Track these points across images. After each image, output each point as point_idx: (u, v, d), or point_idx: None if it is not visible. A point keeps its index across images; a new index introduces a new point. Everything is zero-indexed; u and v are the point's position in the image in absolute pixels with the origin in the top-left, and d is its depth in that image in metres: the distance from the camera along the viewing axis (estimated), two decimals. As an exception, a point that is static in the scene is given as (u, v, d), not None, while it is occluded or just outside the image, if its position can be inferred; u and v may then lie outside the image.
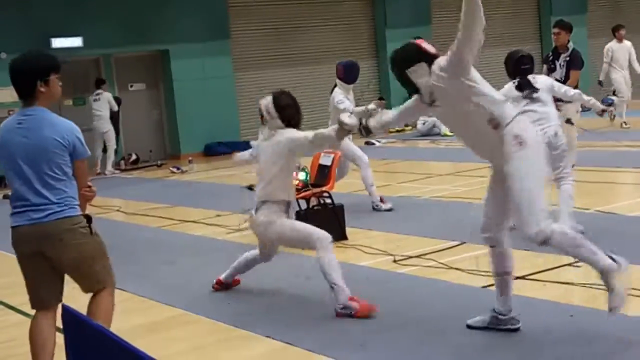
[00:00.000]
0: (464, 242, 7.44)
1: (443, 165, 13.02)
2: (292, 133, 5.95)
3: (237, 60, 18.90)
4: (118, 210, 11.20)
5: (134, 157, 17.62)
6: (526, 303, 5.55)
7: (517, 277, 6.13)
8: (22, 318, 6.33)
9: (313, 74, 19.77)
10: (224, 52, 18.59)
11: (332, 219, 8.00)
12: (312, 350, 4.99)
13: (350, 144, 9.10)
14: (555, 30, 10.10)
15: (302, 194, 8.01)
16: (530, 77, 7.29)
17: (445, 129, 18.37)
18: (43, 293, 4.50)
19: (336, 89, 9.08)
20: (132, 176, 16.15)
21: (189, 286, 6.88)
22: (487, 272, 6.33)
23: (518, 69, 7.27)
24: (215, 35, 18.37)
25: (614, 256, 4.69)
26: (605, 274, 4.66)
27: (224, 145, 18.34)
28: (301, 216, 7.86)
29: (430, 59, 4.94)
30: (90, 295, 4.59)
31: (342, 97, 8.89)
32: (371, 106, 8.52)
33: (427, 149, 15.89)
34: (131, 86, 18.26)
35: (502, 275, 5.02)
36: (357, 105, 9.40)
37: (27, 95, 4.42)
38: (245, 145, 19.88)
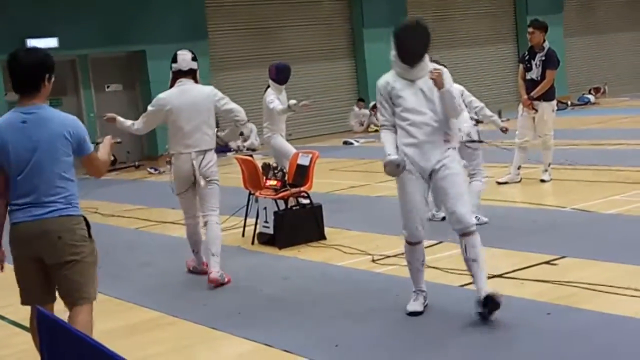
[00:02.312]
0: (441, 242, 7.46)
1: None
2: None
3: (215, 60, 18.85)
4: (95, 212, 11.12)
5: (111, 158, 17.48)
6: (504, 301, 5.57)
7: (495, 276, 6.17)
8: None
9: (293, 75, 19.73)
10: (201, 53, 18.41)
11: (310, 219, 8.00)
12: (290, 351, 4.98)
13: (284, 142, 9.42)
14: (530, 29, 10.19)
15: (281, 194, 8.00)
16: None
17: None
18: (35, 291, 4.42)
19: (269, 90, 9.35)
20: (110, 177, 16.04)
21: (167, 288, 6.85)
22: (465, 270, 6.37)
23: None
24: (192, 35, 18.29)
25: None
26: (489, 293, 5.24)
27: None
28: (279, 216, 7.86)
29: None
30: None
31: (273, 97, 9.18)
32: (292, 102, 8.99)
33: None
34: (108, 87, 18.16)
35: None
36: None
37: (32, 89, 4.35)
38: (224, 146, 19.82)
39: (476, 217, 7.67)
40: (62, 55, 16.91)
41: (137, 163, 17.24)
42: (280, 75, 9.47)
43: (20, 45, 16.09)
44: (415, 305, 5.51)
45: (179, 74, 6.85)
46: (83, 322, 4.32)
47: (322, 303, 5.94)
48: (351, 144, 17.55)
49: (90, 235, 4.42)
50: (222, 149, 18.12)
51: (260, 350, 5.09)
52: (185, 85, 6.80)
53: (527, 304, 5.48)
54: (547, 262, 6.44)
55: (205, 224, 6.87)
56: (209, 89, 6.96)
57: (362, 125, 19.68)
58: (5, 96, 15.90)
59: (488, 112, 8.48)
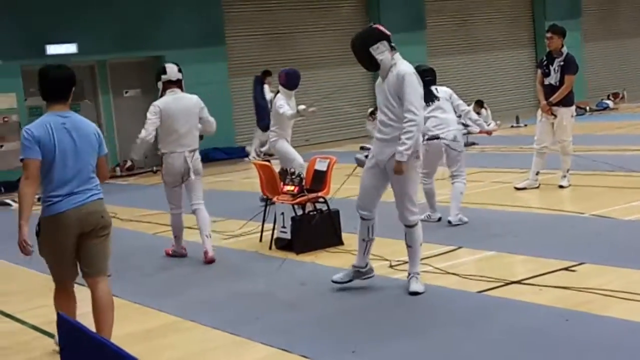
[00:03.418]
0: (460, 247, 7.45)
1: (438, 169, 12.99)
2: None
3: (233, 66, 18.91)
4: (114, 217, 11.11)
5: (129, 163, 17.61)
6: (522, 307, 5.56)
7: (513, 282, 6.16)
8: (17, 326, 6.32)
9: (309, 80, 19.74)
10: (219, 58, 18.60)
11: (328, 224, 8.00)
12: (307, 356, 4.98)
13: (289, 147, 9.91)
14: (548, 34, 10.14)
15: (298, 200, 8.01)
16: (432, 87, 8.38)
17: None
18: (71, 269, 5.17)
19: (278, 95, 9.79)
20: (128, 182, 16.13)
21: (184, 292, 6.87)
22: (483, 277, 6.36)
23: (422, 81, 8.23)
24: (210, 41, 18.37)
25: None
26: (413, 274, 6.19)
27: (220, 151, 18.34)
28: (297, 222, 7.87)
29: (388, 39, 5.96)
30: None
31: (282, 102, 9.61)
32: (301, 107, 9.54)
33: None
34: (126, 92, 18.25)
35: (370, 241, 6.30)
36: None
37: (64, 99, 5.17)
38: (241, 151, 19.90)
39: (459, 217, 8.46)
40: (81, 61, 17.06)
41: (154, 168, 17.29)
42: (290, 81, 9.85)
43: (40, 51, 16.29)
44: (338, 276, 6.36)
45: (169, 84, 7.86)
46: (106, 289, 5.18)
47: (340, 309, 5.94)
48: (368, 149, 17.51)
49: None
50: (240, 153, 18.21)
51: (278, 356, 5.09)
52: (177, 94, 7.83)
53: (545, 311, 5.45)
54: (566, 269, 6.41)
55: (195, 212, 7.96)
56: (196, 98, 7.94)
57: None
58: (25, 101, 16.04)
59: (474, 115, 9.05)
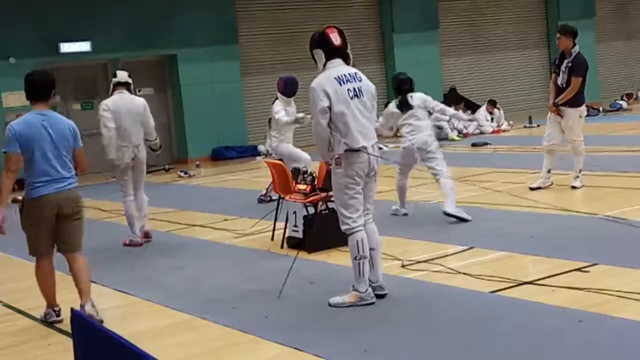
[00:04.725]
0: (472, 247, 7.43)
1: (450, 170, 12.97)
2: None
3: (245, 65, 18.94)
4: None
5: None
6: (535, 308, 5.54)
7: (525, 283, 6.14)
8: (31, 322, 6.36)
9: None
10: (232, 57, 18.63)
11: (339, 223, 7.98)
12: (318, 355, 4.98)
13: (292, 148, 10.44)
14: (557, 35, 10.13)
15: (310, 199, 8.02)
16: (408, 95, 9.03)
17: (452, 134, 18.38)
18: (46, 244, 6.10)
19: (277, 101, 10.28)
20: (140, 180, 16.17)
21: (196, 290, 6.88)
22: (495, 277, 6.35)
23: (400, 89, 9.11)
24: (223, 40, 18.40)
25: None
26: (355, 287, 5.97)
27: (232, 149, 18.37)
28: (309, 220, 7.87)
29: (332, 48, 5.88)
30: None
31: (279, 108, 10.12)
32: (300, 115, 10.06)
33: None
34: (139, 91, 18.24)
35: (369, 249, 5.99)
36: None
37: (45, 99, 6.11)
38: (253, 149, 19.95)
39: (458, 209, 8.65)
40: (95, 59, 17.14)
41: (167, 166, 17.36)
42: (288, 88, 10.34)
43: (53, 50, 16.37)
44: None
45: (118, 86, 8.95)
46: (82, 261, 6.12)
47: (351, 308, 5.93)
48: (380, 148, 17.49)
49: None
50: (251, 152, 18.24)
51: (289, 354, 5.09)
52: (125, 94, 8.86)
53: (558, 312, 5.43)
54: (579, 269, 6.38)
55: (136, 196, 8.96)
56: (143, 100, 9.01)
57: (392, 130, 19.63)
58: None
59: (450, 110, 9.71)
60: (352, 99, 5.84)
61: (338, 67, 5.90)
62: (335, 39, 5.89)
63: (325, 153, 5.95)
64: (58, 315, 6.19)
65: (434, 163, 8.95)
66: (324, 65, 5.90)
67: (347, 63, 5.97)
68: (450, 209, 8.61)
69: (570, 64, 9.89)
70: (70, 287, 6.22)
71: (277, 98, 10.35)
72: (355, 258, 5.95)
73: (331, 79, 5.84)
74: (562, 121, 10.04)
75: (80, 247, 6.19)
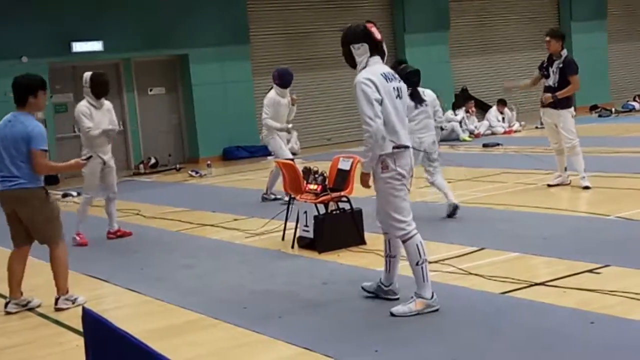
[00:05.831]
0: (483, 248, 7.41)
1: (460, 170, 12.98)
2: None
3: (256, 64, 18.95)
4: (137, 214, 11.24)
5: (152, 160, 17.71)
6: (546, 310, 5.52)
7: (537, 284, 6.12)
8: (41, 320, 6.37)
9: (332, 79, 19.81)
10: (243, 57, 18.65)
11: (350, 223, 7.99)
12: (330, 355, 4.98)
13: (281, 144, 10.90)
14: (547, 38, 10.48)
15: (321, 199, 8.01)
16: (420, 90, 8.82)
17: (463, 135, 18.36)
18: (15, 236, 6.48)
19: (271, 91, 10.87)
20: (151, 180, 16.22)
21: (208, 290, 6.89)
22: (507, 278, 6.33)
23: (408, 82, 8.42)
24: (234, 40, 18.43)
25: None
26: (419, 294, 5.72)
27: (243, 149, 18.39)
28: (319, 220, 7.87)
29: (374, 43, 5.71)
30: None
31: (268, 110, 10.80)
32: (290, 126, 11.02)
33: (446, 154, 15.78)
34: (150, 90, 18.35)
35: (390, 257, 5.97)
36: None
37: (20, 104, 6.43)
38: (264, 149, 20.02)
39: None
40: (107, 59, 17.18)
41: (178, 166, 17.39)
42: (283, 79, 10.86)
43: (65, 49, 16.43)
44: (367, 284, 6.13)
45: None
46: (54, 254, 6.42)
47: (362, 308, 5.93)
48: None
49: (49, 201, 6.46)
50: (263, 152, 18.25)
51: (300, 355, 5.09)
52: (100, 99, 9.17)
53: (569, 313, 5.41)
54: (590, 271, 6.36)
55: (110, 198, 9.29)
56: (108, 102, 9.35)
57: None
58: (51, 98, 16.16)
59: (441, 113, 9.51)
60: (396, 98, 5.65)
61: (380, 64, 5.72)
62: (377, 34, 5.72)
63: (375, 156, 5.55)
64: (18, 306, 6.52)
65: (435, 162, 8.98)
66: (367, 61, 5.67)
67: (383, 60, 5.79)
68: (453, 200, 8.95)
69: (561, 65, 10.17)
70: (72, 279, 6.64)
71: (271, 88, 10.83)
72: (417, 263, 5.65)
73: (378, 74, 5.60)
74: (558, 123, 10.22)
75: (49, 241, 6.44)
